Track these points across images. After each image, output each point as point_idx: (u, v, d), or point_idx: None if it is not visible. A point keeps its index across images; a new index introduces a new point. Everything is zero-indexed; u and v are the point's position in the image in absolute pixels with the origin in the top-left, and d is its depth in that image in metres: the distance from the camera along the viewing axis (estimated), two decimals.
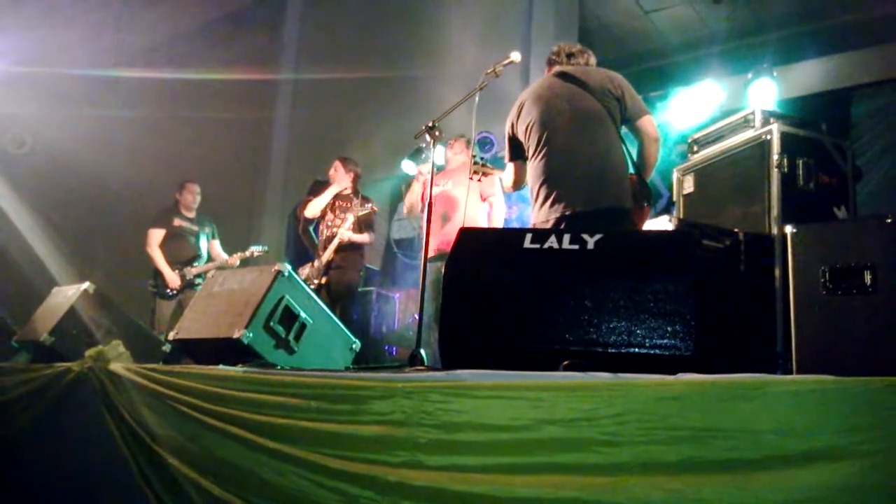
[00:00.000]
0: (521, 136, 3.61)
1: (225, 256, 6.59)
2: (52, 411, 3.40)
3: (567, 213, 3.30)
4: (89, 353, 3.36)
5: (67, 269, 6.59)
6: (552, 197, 3.38)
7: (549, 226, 3.34)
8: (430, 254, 4.77)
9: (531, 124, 3.54)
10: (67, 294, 4.23)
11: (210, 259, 6.63)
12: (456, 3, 7.17)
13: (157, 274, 6.37)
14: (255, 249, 6.48)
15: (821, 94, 6.04)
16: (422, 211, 4.98)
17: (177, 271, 6.35)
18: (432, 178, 3.29)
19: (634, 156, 3.43)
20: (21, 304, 5.60)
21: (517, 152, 3.67)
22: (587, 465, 1.57)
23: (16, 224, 7.54)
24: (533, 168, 3.53)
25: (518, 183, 3.76)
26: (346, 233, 5.48)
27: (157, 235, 6.46)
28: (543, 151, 3.46)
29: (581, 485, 1.55)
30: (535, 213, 3.48)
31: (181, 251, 6.47)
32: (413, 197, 5.16)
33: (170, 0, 8.59)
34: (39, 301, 4.63)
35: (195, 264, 6.46)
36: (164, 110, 8.07)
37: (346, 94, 7.96)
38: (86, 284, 4.17)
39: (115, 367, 3.17)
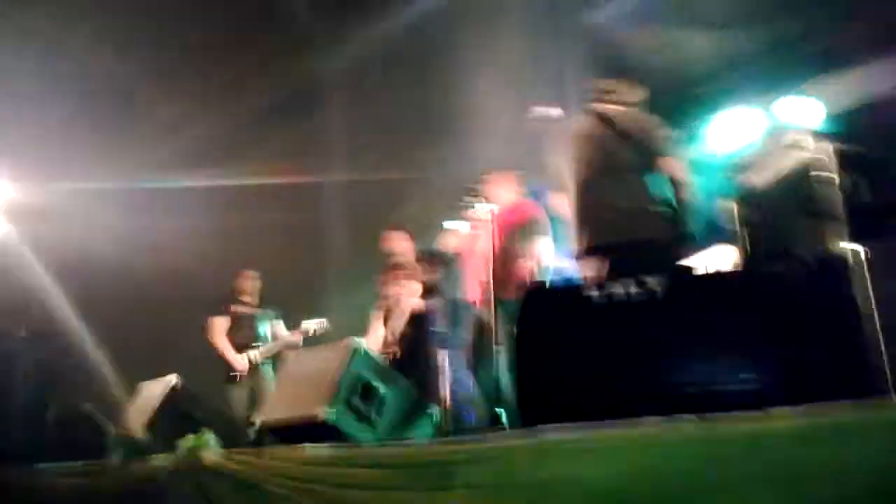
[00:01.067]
0: (561, 172, 3.81)
1: (288, 335, 6.67)
2: None
3: (591, 245, 3.50)
4: (182, 445, 3.46)
5: (141, 369, 6.80)
6: (580, 233, 3.59)
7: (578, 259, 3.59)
8: (477, 300, 4.80)
9: (566, 162, 3.74)
10: (156, 389, 4.37)
11: (275, 340, 6.72)
12: (483, 66, 7.30)
13: (224, 361, 6.51)
14: (315, 325, 6.53)
15: (864, 106, 5.87)
16: (466, 256, 5.02)
17: (242, 356, 6.48)
18: (495, 229, 3.31)
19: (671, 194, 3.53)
20: (103, 402, 5.80)
21: (558, 186, 3.88)
22: None
23: (91, 328, 7.89)
24: (569, 206, 3.75)
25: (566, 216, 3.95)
26: (415, 300, 5.52)
27: (220, 324, 6.59)
28: (574, 191, 3.67)
29: None
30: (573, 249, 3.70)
31: (245, 336, 6.58)
32: (456, 240, 5.15)
33: (211, 107, 8.99)
34: (120, 401, 4.77)
35: (258, 346, 6.58)
36: (219, 214, 8.37)
37: (389, 165, 8.11)
38: (173, 377, 4.30)
39: (208, 456, 3.25)
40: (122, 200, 8.49)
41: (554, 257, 5.47)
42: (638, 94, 3.78)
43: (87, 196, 8.31)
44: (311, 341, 6.37)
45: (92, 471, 4.00)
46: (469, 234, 4.93)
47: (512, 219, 4.64)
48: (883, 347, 2.28)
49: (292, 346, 6.31)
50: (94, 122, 8.12)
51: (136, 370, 6.72)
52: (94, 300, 7.96)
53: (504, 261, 3.28)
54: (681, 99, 7.37)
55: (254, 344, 6.52)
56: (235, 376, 6.37)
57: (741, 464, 1.48)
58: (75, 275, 8.10)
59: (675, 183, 3.49)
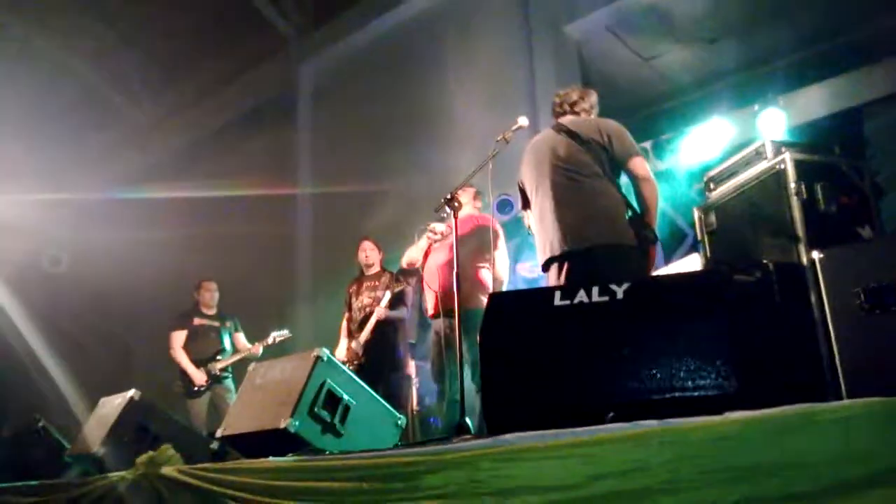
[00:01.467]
0: (524, 187, 3.92)
1: (249, 346, 6.64)
2: None
3: (554, 254, 3.55)
4: (141, 459, 3.38)
5: (105, 383, 6.68)
6: (543, 242, 3.66)
7: (541, 270, 3.66)
8: (431, 311, 4.83)
9: (526, 177, 3.84)
10: (115, 403, 4.29)
11: (235, 352, 6.68)
12: (458, 77, 7.35)
13: (183, 374, 6.46)
14: (276, 335, 6.52)
15: (831, 116, 6.03)
16: (422, 266, 5.05)
17: (202, 368, 6.43)
18: (456, 245, 3.33)
19: (634, 201, 3.59)
20: (64, 420, 5.68)
21: (525, 201, 3.97)
22: None
23: (50, 340, 7.72)
24: (533, 217, 3.82)
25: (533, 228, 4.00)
26: (381, 310, 5.51)
27: (178, 337, 6.59)
28: (535, 201, 3.75)
29: None
30: (539, 257, 3.76)
31: (205, 348, 6.56)
32: (415, 252, 5.17)
33: (184, 115, 8.91)
34: (81, 416, 4.69)
35: (219, 359, 6.54)
36: (182, 225, 8.29)
37: (362, 196, 8.11)
38: (132, 392, 4.22)
39: (167, 470, 3.19)
40: (86, 211, 8.38)
41: (514, 269, 5.50)
42: (592, 99, 3.86)
43: (45, 207, 8.19)
44: (273, 351, 6.35)
45: (48, 488, 3.90)
46: (428, 247, 4.97)
47: (468, 232, 4.69)
48: (836, 351, 2.32)
49: (252, 357, 6.28)
50: (59, 131, 8.01)
51: (97, 384, 6.61)
52: (54, 314, 7.82)
53: (462, 273, 3.29)
54: (656, 111, 7.52)
55: (214, 356, 6.48)
56: (195, 390, 6.33)
57: (700, 465, 1.49)
58: (33, 288, 7.96)
59: (638, 181, 3.55)
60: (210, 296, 6.79)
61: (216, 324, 6.72)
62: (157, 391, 6.30)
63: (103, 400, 4.59)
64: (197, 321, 6.69)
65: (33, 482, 4.11)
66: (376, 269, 5.90)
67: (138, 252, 8.18)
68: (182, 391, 6.47)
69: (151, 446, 3.71)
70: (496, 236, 4.89)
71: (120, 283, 7.81)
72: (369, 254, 5.90)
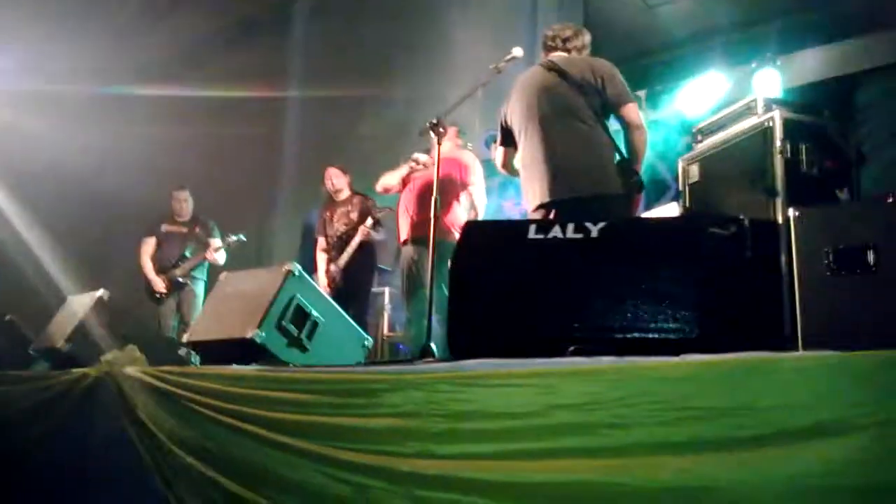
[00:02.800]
0: (510, 125, 3.79)
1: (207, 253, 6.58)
2: (72, 416, 3.44)
3: (543, 201, 3.48)
4: (106, 357, 3.41)
5: (78, 281, 6.64)
6: (530, 187, 3.58)
7: (531, 215, 3.55)
8: (404, 237, 4.85)
9: (515, 115, 3.73)
10: (83, 301, 4.29)
11: (194, 258, 6.63)
12: (459, 6, 7.19)
13: (147, 282, 6.49)
14: (231, 239, 6.52)
15: (825, 81, 6.00)
16: (399, 191, 5.06)
17: (162, 276, 6.42)
18: (438, 172, 3.30)
19: (623, 146, 3.53)
20: (34, 315, 5.67)
21: (505, 139, 3.87)
22: (597, 448, 1.59)
23: (27, 237, 7.63)
24: (519, 159, 3.74)
25: (505, 166, 3.97)
26: (367, 230, 5.51)
27: (147, 244, 6.62)
28: (523, 143, 3.65)
29: (591, 467, 1.58)
30: (524, 203, 3.71)
31: (168, 255, 6.55)
32: (393, 178, 5.15)
33: (175, 14, 8.65)
34: (51, 312, 4.69)
35: (179, 264, 6.51)
36: (172, 126, 8.13)
37: (353, 102, 7.98)
38: (100, 291, 4.22)
39: (132, 370, 3.21)
40: (69, 106, 8.17)
41: (501, 206, 5.50)
42: (585, 38, 3.76)
43: (26, 99, 7.98)
44: (230, 256, 6.35)
45: (10, 379, 3.93)
46: (407, 174, 4.96)
47: (449, 166, 4.69)
48: (798, 308, 2.36)
49: (209, 263, 6.29)
50: (47, 26, 7.75)
51: (71, 282, 6.59)
52: (31, 208, 7.72)
53: (438, 205, 3.26)
54: (654, 61, 7.43)
55: (175, 263, 6.45)
56: (157, 297, 6.34)
57: (652, 403, 1.52)
58: (11, 180, 7.81)
59: (630, 129, 3.49)
60: (179, 206, 6.73)
61: (183, 230, 6.67)
62: (132, 293, 6.32)
63: (71, 298, 4.59)
64: (165, 227, 6.67)
65: None
66: (346, 193, 5.87)
67: (122, 151, 8.04)
68: (147, 298, 6.49)
69: (118, 346, 3.74)
70: (476, 171, 4.89)
71: (102, 182, 7.69)
72: (335, 181, 5.87)
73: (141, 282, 6.63)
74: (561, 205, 3.44)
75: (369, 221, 5.51)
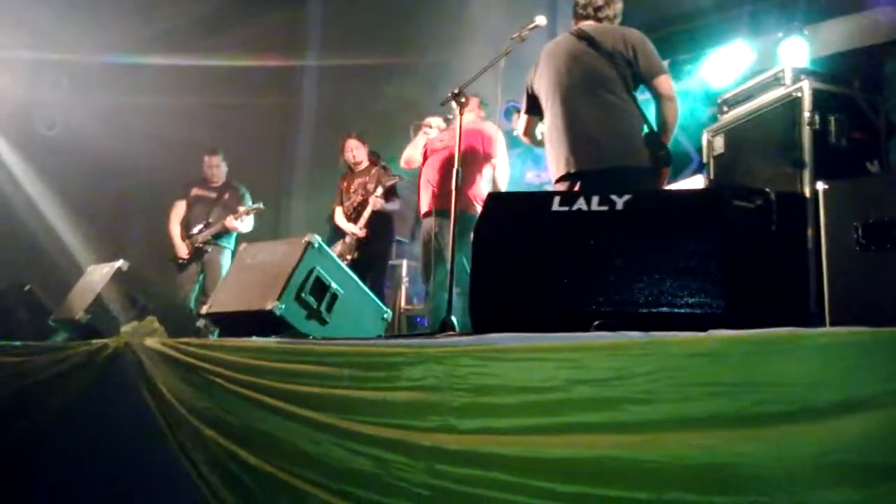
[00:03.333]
0: (536, 93, 3.75)
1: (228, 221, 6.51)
2: (91, 387, 3.47)
3: (571, 171, 3.44)
4: (125, 329, 3.43)
5: (96, 252, 6.67)
6: (555, 157, 3.54)
7: (555, 186, 3.53)
8: (425, 209, 4.83)
9: (542, 82, 3.67)
10: (102, 272, 4.31)
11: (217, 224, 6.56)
12: None
13: (172, 246, 6.40)
14: (251, 208, 6.40)
15: (852, 51, 5.86)
16: (421, 166, 5.02)
17: (186, 241, 6.34)
18: (459, 142, 3.26)
19: (653, 118, 3.46)
20: (52, 285, 5.71)
21: (530, 106, 3.83)
22: (620, 424, 1.57)
23: (44, 206, 7.67)
24: (545, 128, 3.69)
25: (527, 134, 3.93)
26: (378, 200, 5.49)
27: (178, 208, 6.48)
28: (549, 112, 3.60)
29: (614, 443, 1.56)
30: (548, 173, 3.68)
31: (195, 220, 6.43)
32: (414, 150, 5.11)
33: None
34: (69, 283, 4.72)
35: (202, 230, 6.42)
36: (186, 96, 8.10)
37: (370, 72, 7.92)
38: (119, 262, 4.23)
39: (151, 342, 3.23)
40: (84, 76, 8.17)
41: (523, 176, 5.44)
42: (617, 6, 3.67)
43: (56, 69, 7.97)
44: (259, 227, 6.30)
45: (30, 350, 3.96)
46: (426, 146, 4.93)
47: (472, 138, 4.64)
48: (826, 284, 2.32)
49: (230, 231, 6.23)
50: None
51: (91, 252, 6.61)
52: (47, 177, 7.74)
53: (460, 177, 3.21)
54: (679, 30, 7.29)
55: (201, 228, 6.38)
56: (179, 262, 6.28)
57: (677, 378, 1.50)
58: (32, 150, 7.85)
59: (662, 100, 3.42)
60: (211, 171, 6.59)
61: (212, 195, 6.55)
62: (150, 263, 6.32)
63: (91, 268, 4.61)
64: (195, 191, 6.55)
65: (16, 342, 4.17)
66: (365, 164, 5.85)
67: (135, 120, 8.03)
68: (172, 262, 6.43)
69: (137, 317, 3.76)
70: (499, 143, 4.84)
71: (116, 151, 7.68)
72: (356, 153, 5.83)
73: (159, 251, 6.61)
74: (585, 176, 3.39)
75: (379, 190, 5.48)
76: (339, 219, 5.77)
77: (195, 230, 6.36)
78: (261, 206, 6.41)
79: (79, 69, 7.93)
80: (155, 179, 7.32)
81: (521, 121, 3.95)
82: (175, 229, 6.39)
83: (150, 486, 3.04)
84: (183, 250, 6.28)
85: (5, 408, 3.83)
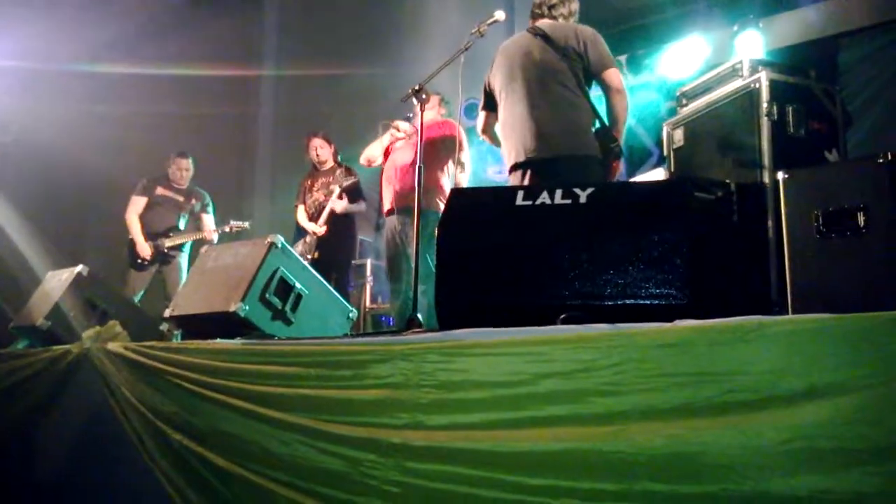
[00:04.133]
0: (493, 89, 3.86)
1: (210, 228, 6.40)
2: (53, 394, 3.40)
3: (519, 160, 3.55)
4: (87, 334, 3.36)
5: (53, 258, 6.48)
6: (508, 148, 3.65)
7: (508, 177, 3.67)
8: (387, 208, 4.81)
9: (497, 78, 3.78)
10: (62, 278, 4.21)
11: (189, 232, 6.39)
12: None
13: (131, 243, 6.13)
14: (234, 224, 6.28)
15: (808, 43, 5.97)
16: (382, 164, 5.00)
17: (149, 242, 6.11)
18: (420, 139, 3.24)
19: (604, 112, 3.56)
20: (9, 293, 5.58)
21: (488, 102, 3.94)
22: (587, 416, 1.58)
23: None
24: (500, 122, 3.79)
25: (485, 131, 4.04)
26: (337, 202, 5.45)
27: (137, 203, 6.19)
28: (503, 106, 3.72)
29: (581, 435, 1.57)
30: (504, 163, 3.76)
31: (159, 222, 6.21)
32: (375, 149, 5.08)
33: None
34: (26, 290, 4.61)
35: (170, 235, 6.25)
36: (143, 104, 7.98)
37: (327, 79, 7.88)
38: (79, 267, 4.14)
39: (114, 346, 3.17)
40: (37, 82, 8.00)
41: (485, 172, 5.47)
42: (573, 6, 3.77)
43: (10, 75, 7.79)
44: (228, 239, 6.21)
45: None
46: (389, 144, 4.91)
47: (433, 135, 4.64)
48: (787, 272, 2.35)
49: (205, 241, 6.11)
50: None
51: (46, 259, 6.46)
52: (12, 183, 7.57)
53: (423, 174, 3.19)
54: (634, 25, 7.35)
55: (165, 232, 6.21)
56: (139, 262, 6.09)
57: (644, 369, 1.51)
58: None
59: (611, 93, 3.52)
60: (179, 174, 6.37)
61: (179, 198, 6.34)
62: (107, 270, 6.17)
63: (50, 273, 4.50)
64: (161, 191, 6.34)
65: None
66: (330, 164, 5.80)
67: (92, 128, 7.87)
68: (126, 261, 6.20)
69: (98, 322, 3.69)
70: (461, 142, 4.83)
71: (72, 158, 7.52)
72: (320, 151, 5.78)
73: (117, 257, 6.43)
74: (538, 164, 3.50)
75: (336, 191, 5.45)
76: (301, 217, 5.73)
77: (166, 236, 6.18)
78: (246, 225, 6.32)
79: (32, 76, 7.76)
80: (112, 186, 7.16)
81: (479, 117, 4.03)
82: (136, 225, 6.13)
83: (118, 491, 2.99)
84: (146, 251, 6.05)
85: None
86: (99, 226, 7.57)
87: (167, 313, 3.44)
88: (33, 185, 7.52)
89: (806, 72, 3.32)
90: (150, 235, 6.13)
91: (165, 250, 6.13)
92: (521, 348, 1.72)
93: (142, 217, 6.18)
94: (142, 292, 6.09)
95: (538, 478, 1.57)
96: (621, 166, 3.65)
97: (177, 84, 8.19)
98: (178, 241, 6.18)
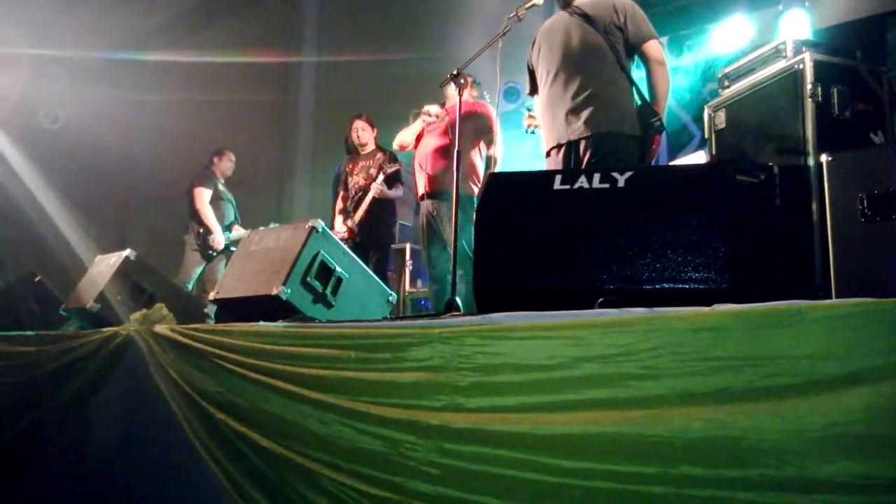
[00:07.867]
0: (535, 70, 3.83)
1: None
2: (102, 375, 3.50)
3: (560, 141, 3.51)
4: (134, 316, 3.45)
5: (99, 244, 6.65)
6: (547, 129, 3.62)
7: (545, 159, 3.64)
8: (421, 192, 4.83)
9: (539, 59, 3.75)
10: (110, 262, 4.32)
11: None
12: None
13: (206, 231, 6.34)
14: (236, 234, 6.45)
15: (855, 22, 5.80)
16: (414, 148, 5.02)
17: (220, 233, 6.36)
18: (459, 125, 3.24)
19: (645, 87, 3.52)
20: (59, 277, 5.73)
21: (533, 85, 3.89)
22: (625, 400, 1.58)
23: (48, 199, 7.68)
24: (540, 103, 3.75)
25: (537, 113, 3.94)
26: (377, 186, 5.48)
27: (206, 195, 6.40)
28: (544, 87, 3.67)
29: (619, 419, 1.57)
30: (542, 145, 3.74)
31: (223, 215, 6.48)
32: (408, 135, 5.09)
33: None
34: (75, 274, 4.73)
35: (233, 229, 6.47)
36: (184, 91, 8.10)
37: (367, 65, 7.89)
38: (127, 251, 4.24)
39: (160, 328, 3.25)
40: (83, 71, 8.17)
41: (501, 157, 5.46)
42: None
43: (57, 64, 7.98)
44: (251, 218, 6.34)
45: (44, 339, 3.99)
46: (421, 130, 4.92)
47: (464, 116, 4.63)
48: (831, 256, 2.31)
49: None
50: None
51: (98, 243, 6.63)
52: (51, 170, 7.76)
53: (461, 158, 3.21)
54: (677, 6, 7.22)
55: (229, 226, 6.40)
56: (210, 252, 6.26)
57: (682, 353, 1.51)
58: (35, 144, 7.86)
59: (652, 65, 3.47)
60: (230, 165, 6.60)
61: (230, 195, 6.62)
62: (153, 253, 6.32)
63: (99, 258, 4.62)
64: (220, 187, 6.55)
65: (29, 332, 4.21)
66: (370, 147, 5.82)
67: (137, 115, 8.05)
68: (196, 248, 6.36)
69: (146, 305, 3.78)
70: (493, 121, 4.83)
71: (118, 145, 7.71)
72: (361, 133, 5.80)
73: (162, 240, 6.60)
74: (572, 144, 3.47)
75: (380, 178, 5.48)
76: (338, 209, 5.76)
77: (229, 230, 6.37)
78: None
79: (78, 64, 7.92)
80: (157, 172, 7.33)
81: (534, 103, 3.92)
82: (213, 216, 6.35)
83: (164, 470, 3.07)
84: (221, 243, 6.28)
85: (19, 396, 3.87)
86: (145, 209, 7.73)
87: (211, 296, 3.51)
88: (81, 172, 7.70)
89: (852, 52, 3.23)
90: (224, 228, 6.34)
91: (230, 242, 6.31)
92: (560, 332, 1.72)
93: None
94: (196, 278, 6.26)
95: (575, 460, 1.58)
96: (663, 141, 3.58)
97: (218, 71, 8.30)
98: (238, 236, 6.32)
